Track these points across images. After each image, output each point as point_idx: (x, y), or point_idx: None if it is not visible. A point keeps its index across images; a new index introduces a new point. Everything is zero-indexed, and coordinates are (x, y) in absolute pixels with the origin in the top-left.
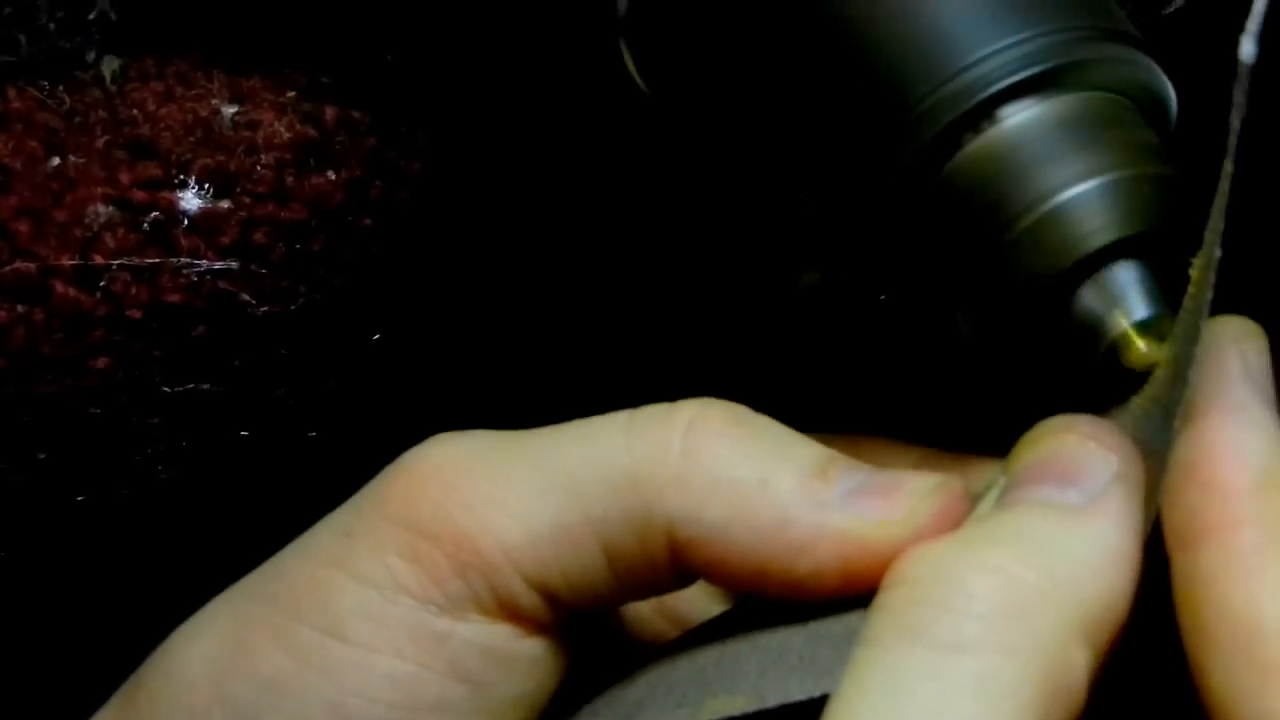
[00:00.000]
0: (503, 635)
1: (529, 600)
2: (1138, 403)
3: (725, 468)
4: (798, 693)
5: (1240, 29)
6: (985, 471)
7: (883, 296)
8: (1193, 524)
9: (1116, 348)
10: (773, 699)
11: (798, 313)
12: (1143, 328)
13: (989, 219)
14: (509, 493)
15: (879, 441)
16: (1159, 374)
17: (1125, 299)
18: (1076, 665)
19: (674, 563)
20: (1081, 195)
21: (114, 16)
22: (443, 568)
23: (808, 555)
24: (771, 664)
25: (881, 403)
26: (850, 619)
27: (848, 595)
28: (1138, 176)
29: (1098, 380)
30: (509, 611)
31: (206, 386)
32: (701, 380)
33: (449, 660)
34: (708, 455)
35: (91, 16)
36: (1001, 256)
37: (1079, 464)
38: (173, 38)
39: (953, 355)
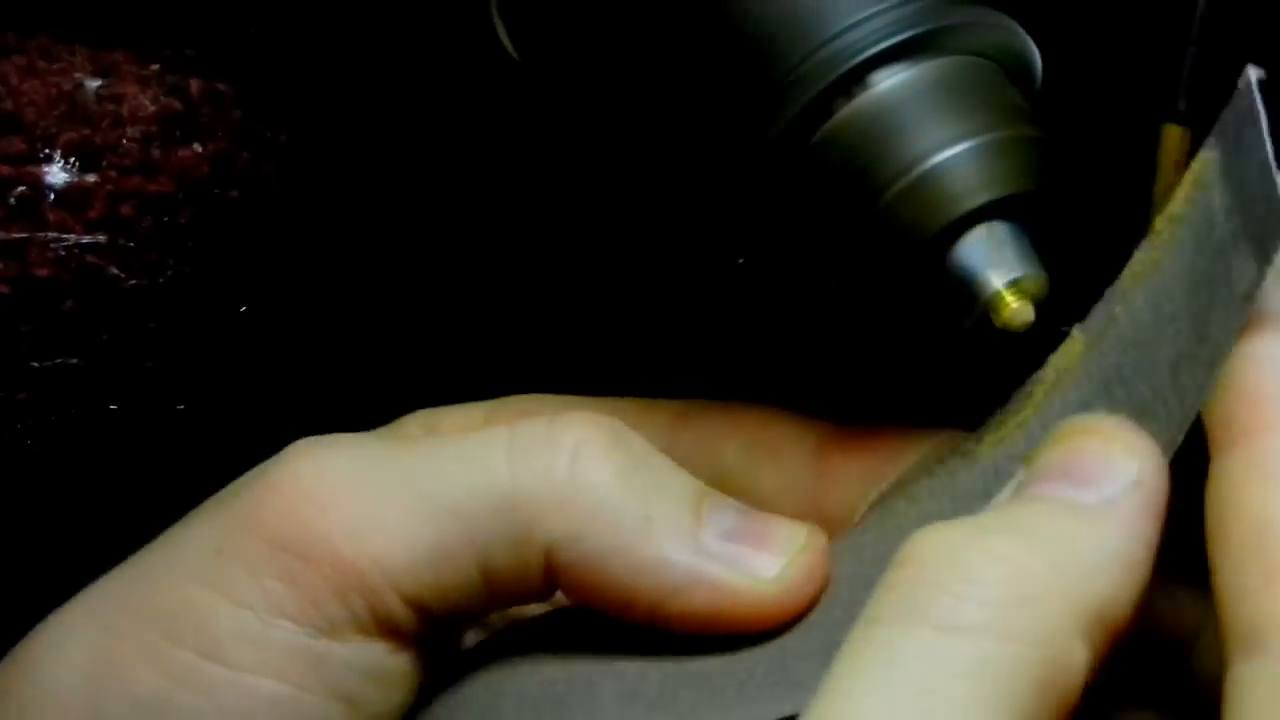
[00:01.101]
0: (379, 653)
1: (405, 617)
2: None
3: (609, 497)
4: None
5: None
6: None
7: (741, 260)
8: (1225, 430)
9: (990, 307)
10: None
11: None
12: (1015, 287)
13: (862, 184)
14: (388, 515)
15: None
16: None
17: (998, 259)
18: (1075, 660)
19: (547, 581)
20: (953, 158)
21: None
22: (321, 590)
23: (680, 598)
24: (629, 696)
25: (813, 375)
26: (712, 661)
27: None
28: (1007, 139)
29: (973, 340)
30: (386, 629)
31: (75, 360)
32: (553, 357)
33: (327, 681)
34: (592, 482)
35: None
36: (876, 220)
37: (1099, 466)
38: (35, 12)
39: (831, 319)
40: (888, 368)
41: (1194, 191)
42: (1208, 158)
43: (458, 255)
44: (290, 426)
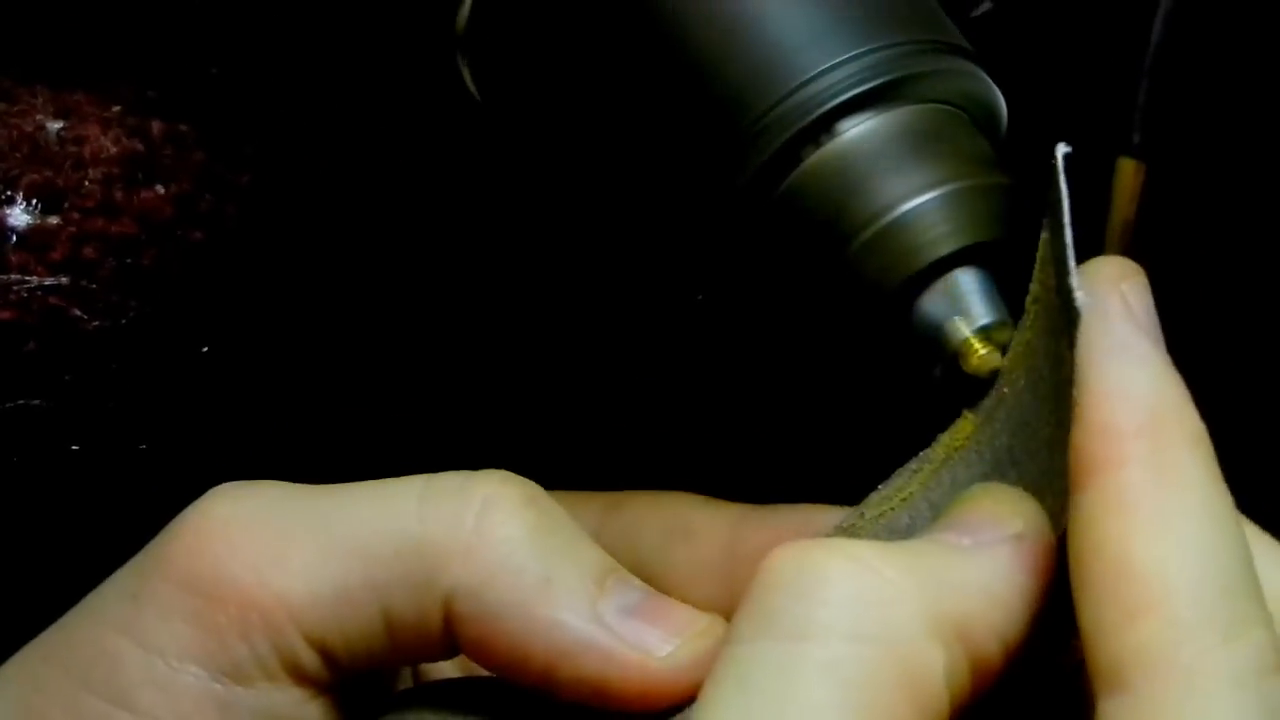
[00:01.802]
0: (286, 700)
1: (310, 661)
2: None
3: (513, 553)
4: None
5: (1052, 31)
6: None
7: (700, 297)
8: (1080, 466)
9: (958, 355)
10: None
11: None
12: (983, 334)
13: (831, 231)
14: (294, 552)
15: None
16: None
17: (965, 307)
18: (929, 660)
19: (447, 633)
20: (921, 206)
21: None
22: (227, 631)
23: (570, 663)
24: None
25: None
26: None
27: (594, 708)
28: (974, 187)
29: (941, 387)
30: (292, 673)
31: (37, 402)
32: (520, 400)
33: None
34: (498, 536)
35: None
36: (844, 268)
37: (984, 519)
38: None
39: (800, 365)
40: (851, 411)
41: (1040, 271)
42: (1043, 237)
43: (419, 296)
44: (251, 467)
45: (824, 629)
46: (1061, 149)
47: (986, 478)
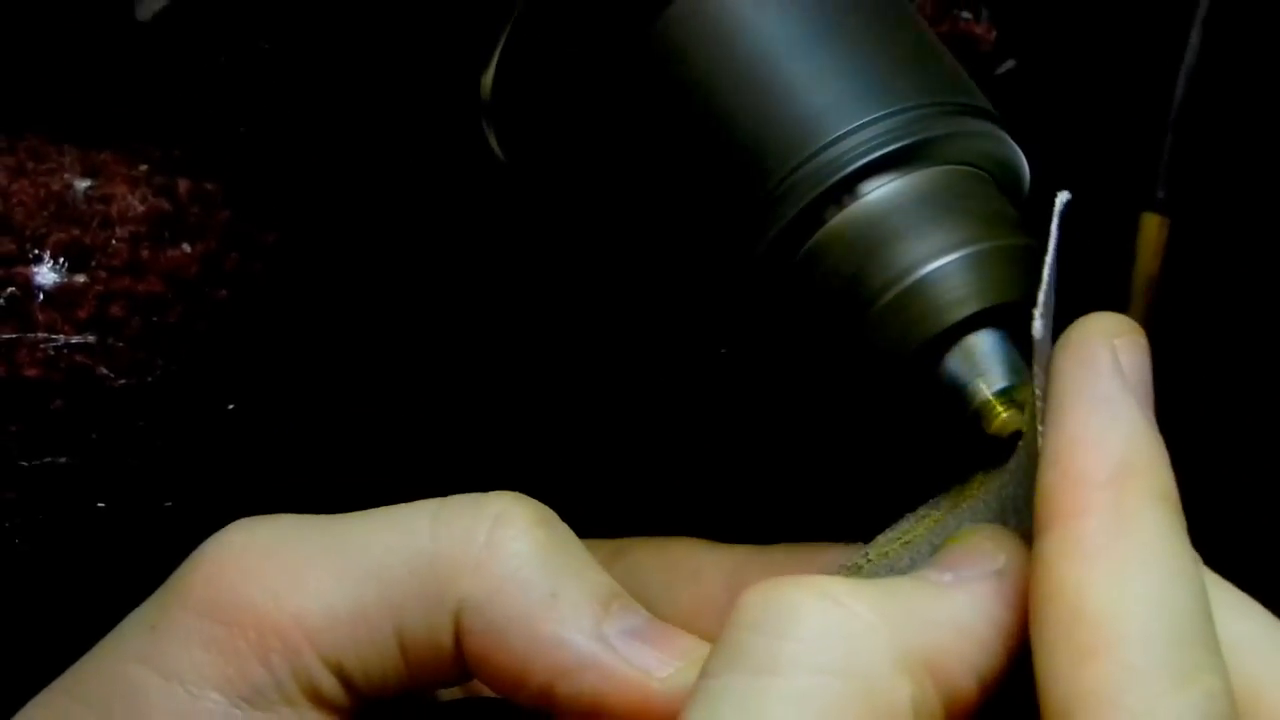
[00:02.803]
0: None
1: (328, 685)
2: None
3: (521, 567)
4: None
5: (1074, 90)
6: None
7: (723, 351)
8: (1046, 509)
9: (979, 416)
10: None
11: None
12: (1004, 396)
13: (853, 292)
14: (309, 575)
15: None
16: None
17: (986, 368)
18: (896, 692)
19: (457, 652)
20: (943, 268)
21: None
22: (245, 655)
23: (570, 680)
24: None
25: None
26: None
27: None
28: (996, 249)
29: (961, 449)
30: (311, 698)
31: (64, 459)
32: (561, 463)
33: None
34: (508, 551)
35: None
36: (866, 329)
37: (964, 557)
38: (23, 113)
39: (819, 424)
40: (871, 470)
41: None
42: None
43: (444, 354)
44: None
45: (790, 662)
46: (1062, 196)
47: (992, 522)
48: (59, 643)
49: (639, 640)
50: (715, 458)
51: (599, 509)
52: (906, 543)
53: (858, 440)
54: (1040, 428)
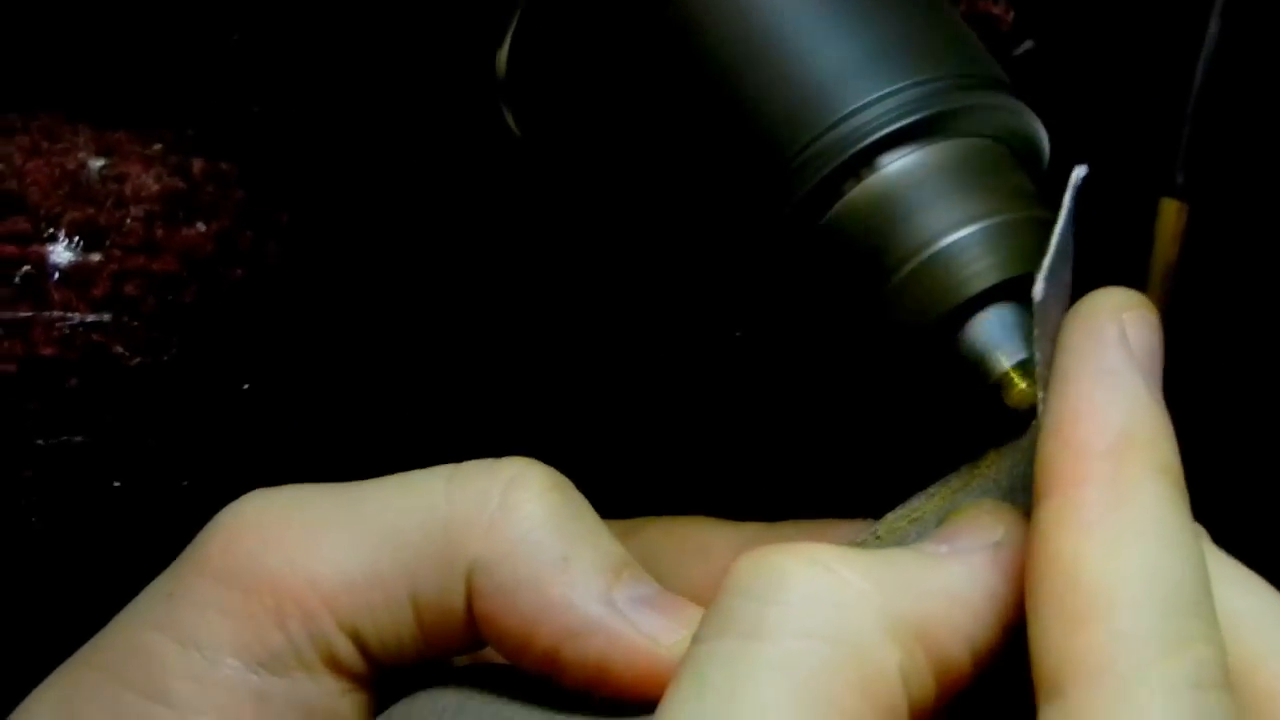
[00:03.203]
0: (322, 692)
1: (345, 650)
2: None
3: (534, 530)
4: None
5: (1094, 71)
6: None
7: (738, 334)
8: (1045, 479)
9: (999, 388)
10: None
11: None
12: (1023, 368)
13: (871, 265)
14: (325, 539)
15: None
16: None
17: (1005, 341)
18: (884, 658)
19: (469, 615)
20: (962, 240)
21: None
22: (262, 621)
23: (577, 643)
24: None
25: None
26: None
27: (597, 694)
28: (1016, 221)
29: (979, 423)
30: (328, 664)
31: (79, 438)
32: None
33: (269, 719)
34: (522, 513)
35: None
36: (885, 302)
37: (963, 529)
38: (37, 92)
39: (837, 398)
40: (889, 443)
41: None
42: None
43: (461, 332)
44: None
45: (777, 628)
46: (1080, 170)
47: (1001, 499)
48: (75, 622)
49: (648, 608)
50: (730, 437)
51: (614, 488)
52: (915, 519)
53: (875, 415)
54: (1042, 395)
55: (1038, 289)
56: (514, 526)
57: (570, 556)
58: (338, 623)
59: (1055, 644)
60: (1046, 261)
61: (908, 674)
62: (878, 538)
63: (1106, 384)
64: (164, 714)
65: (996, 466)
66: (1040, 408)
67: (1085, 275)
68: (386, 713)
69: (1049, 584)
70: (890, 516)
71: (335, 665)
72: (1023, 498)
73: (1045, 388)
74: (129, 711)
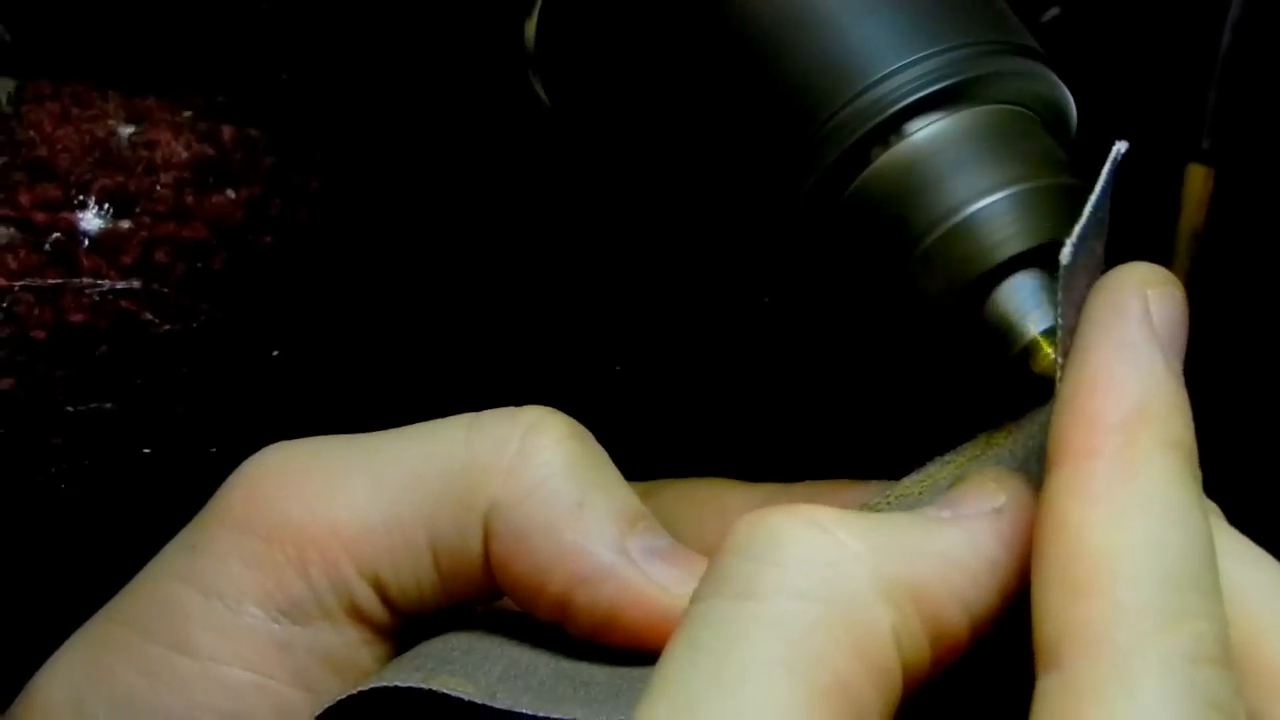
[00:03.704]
0: (343, 641)
1: (365, 598)
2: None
3: (551, 475)
4: (525, 705)
5: (1121, 37)
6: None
7: (766, 300)
8: (1056, 448)
9: (1026, 354)
10: (502, 703)
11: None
12: (1051, 335)
13: (900, 231)
14: (345, 486)
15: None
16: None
17: (1033, 307)
18: (876, 619)
19: (486, 561)
20: (990, 207)
21: (8, 39)
22: (283, 568)
23: (588, 589)
24: (511, 676)
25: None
26: (600, 672)
27: (606, 642)
28: (1043, 188)
29: (1007, 386)
30: (349, 612)
31: (109, 405)
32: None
33: (292, 668)
34: (540, 460)
35: None
36: (913, 268)
37: (966, 495)
38: (68, 59)
39: (862, 364)
40: (915, 410)
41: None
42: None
43: (490, 299)
44: None
45: (771, 587)
46: (1120, 145)
47: (1015, 468)
48: (104, 588)
49: (660, 559)
50: (754, 401)
51: (638, 453)
52: (928, 485)
53: (902, 381)
54: (1060, 363)
55: (1065, 253)
56: (532, 471)
57: (585, 503)
58: (358, 569)
59: (1055, 613)
60: (1078, 229)
61: (901, 635)
62: (889, 502)
63: (1125, 358)
64: (188, 664)
65: (1013, 436)
66: (1058, 376)
67: (1113, 241)
68: (401, 655)
69: (1053, 553)
70: (905, 481)
71: (356, 614)
72: (1036, 467)
73: (1065, 355)
74: (154, 663)
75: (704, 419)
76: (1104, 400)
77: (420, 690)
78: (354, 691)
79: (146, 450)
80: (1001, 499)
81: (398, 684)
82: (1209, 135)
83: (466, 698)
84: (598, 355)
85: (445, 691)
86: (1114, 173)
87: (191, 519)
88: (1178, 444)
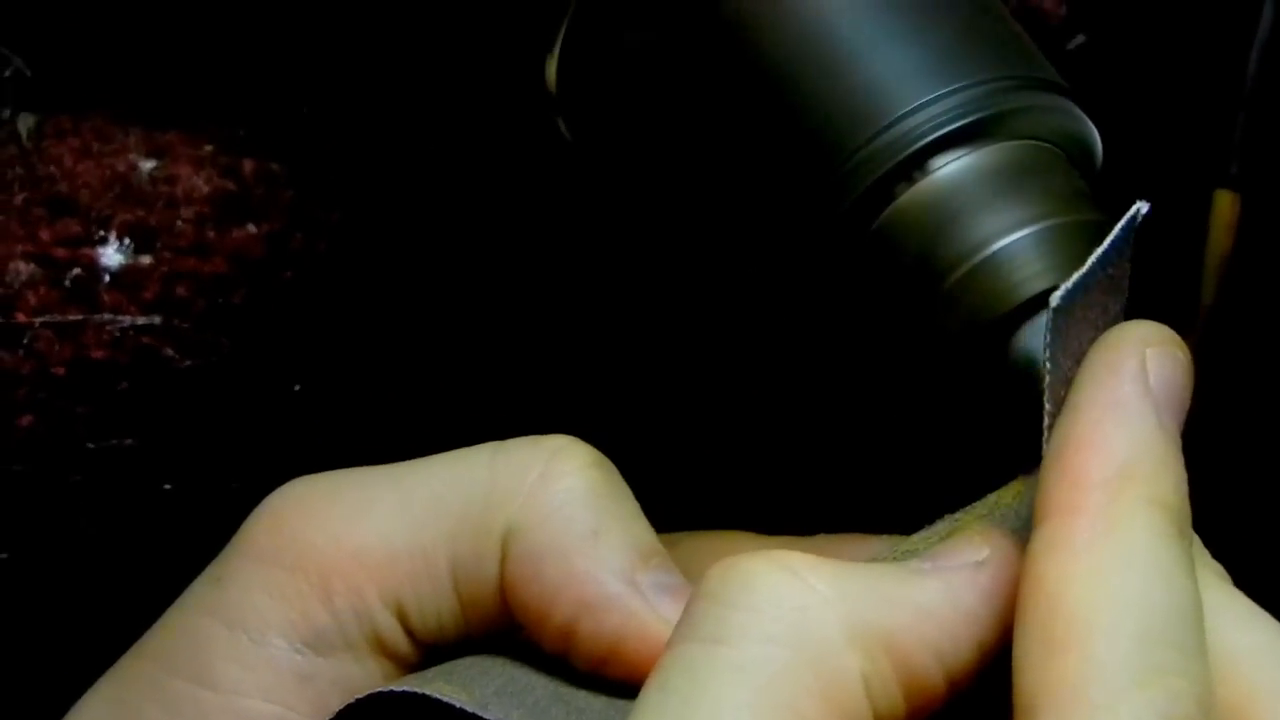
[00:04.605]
0: (365, 674)
1: (388, 628)
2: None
3: (570, 502)
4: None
5: (1148, 63)
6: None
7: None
8: (1041, 505)
9: None
10: (492, 714)
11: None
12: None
13: (924, 269)
14: (369, 512)
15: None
16: None
17: None
18: (845, 666)
19: (502, 585)
20: (1015, 244)
21: (28, 74)
22: (307, 598)
23: (594, 617)
24: (506, 694)
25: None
26: (596, 700)
27: (608, 675)
28: (1068, 224)
29: (1032, 423)
30: (372, 643)
31: (130, 441)
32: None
33: (314, 701)
34: (561, 485)
35: (6, 74)
36: (938, 305)
37: (951, 548)
38: (88, 94)
39: (891, 401)
40: (942, 447)
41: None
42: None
43: (513, 333)
44: None
45: (740, 632)
46: (1142, 206)
47: (1016, 531)
48: (127, 626)
49: (670, 596)
50: (779, 442)
51: (657, 497)
52: (931, 541)
53: (925, 420)
54: (1050, 411)
55: (1055, 297)
56: (551, 496)
57: (601, 531)
58: (382, 596)
59: (1033, 669)
60: (1077, 275)
61: (872, 683)
62: (895, 557)
63: (1115, 416)
64: (210, 698)
65: (1020, 495)
66: (1046, 431)
67: (1139, 268)
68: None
69: (1033, 608)
70: (914, 536)
71: (379, 644)
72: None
73: (1057, 406)
74: (177, 698)
75: (722, 460)
76: (1090, 458)
77: (415, 695)
78: (351, 701)
79: (168, 486)
80: (985, 552)
81: (393, 689)
82: (1237, 160)
83: (458, 704)
84: (621, 391)
85: (438, 697)
86: (1130, 230)
87: (213, 555)
88: (1164, 504)
